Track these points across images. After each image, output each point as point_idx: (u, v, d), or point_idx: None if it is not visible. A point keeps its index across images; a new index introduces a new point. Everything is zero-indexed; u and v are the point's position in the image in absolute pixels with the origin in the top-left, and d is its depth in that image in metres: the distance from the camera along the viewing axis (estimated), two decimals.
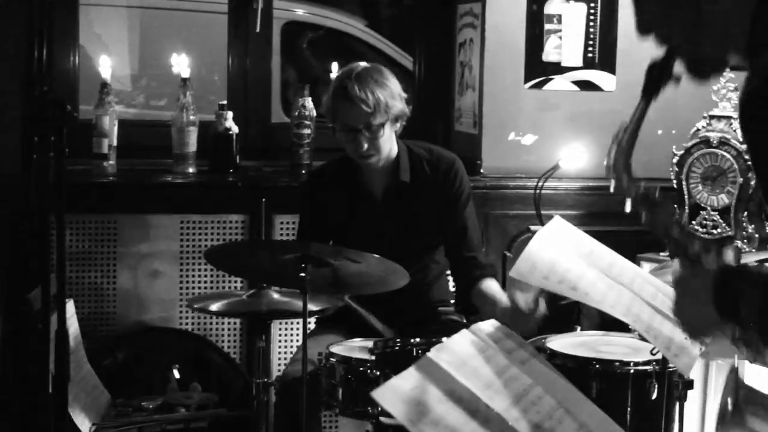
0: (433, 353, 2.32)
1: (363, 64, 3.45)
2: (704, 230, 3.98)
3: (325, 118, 3.53)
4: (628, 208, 1.89)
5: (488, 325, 2.54)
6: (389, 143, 3.44)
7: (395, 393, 2.19)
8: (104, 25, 5.67)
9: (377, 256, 3.03)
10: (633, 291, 2.76)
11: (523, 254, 2.68)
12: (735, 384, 1.90)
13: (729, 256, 1.78)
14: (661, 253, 3.96)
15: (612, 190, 1.89)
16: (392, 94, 3.37)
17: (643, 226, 1.88)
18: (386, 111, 3.35)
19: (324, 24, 5.93)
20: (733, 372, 1.96)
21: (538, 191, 3.89)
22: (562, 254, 2.72)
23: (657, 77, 1.84)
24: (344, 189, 3.53)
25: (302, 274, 2.97)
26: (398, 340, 2.92)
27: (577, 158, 3.88)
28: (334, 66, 4.58)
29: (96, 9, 5.46)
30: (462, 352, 2.37)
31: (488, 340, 2.47)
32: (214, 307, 3.24)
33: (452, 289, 3.76)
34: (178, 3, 5.39)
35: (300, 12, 5.90)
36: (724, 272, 1.74)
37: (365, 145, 3.37)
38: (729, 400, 1.89)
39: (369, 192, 3.53)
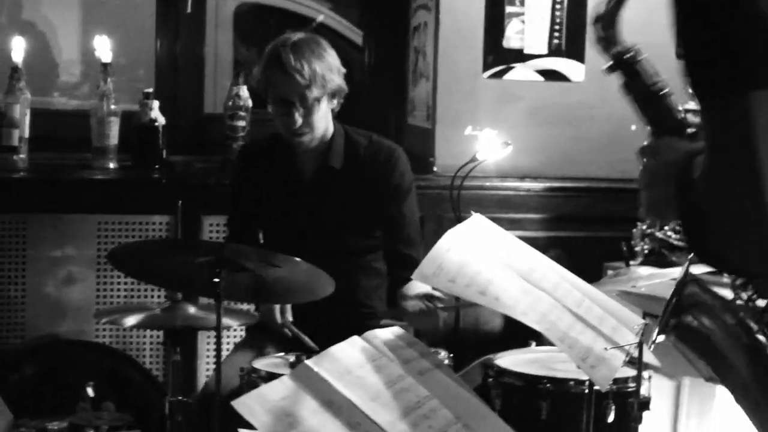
0: (312, 361, 2.31)
1: (300, 33, 3.50)
2: (678, 236, 3.99)
3: (258, 91, 3.60)
4: (605, 69, 1.91)
5: (386, 332, 2.54)
6: (324, 121, 3.49)
7: (261, 402, 2.18)
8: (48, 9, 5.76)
9: (299, 259, 3.04)
10: (555, 297, 2.73)
11: (430, 254, 2.65)
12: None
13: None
14: (632, 263, 3.97)
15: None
16: (330, 67, 3.43)
17: (623, 93, 1.90)
18: (323, 85, 3.40)
19: (284, 7, 5.98)
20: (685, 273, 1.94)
21: (456, 191, 3.89)
22: (474, 255, 2.70)
23: None
24: (273, 167, 3.58)
25: (216, 280, 2.97)
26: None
27: (498, 150, 3.89)
28: None
29: None
30: (347, 360, 2.37)
31: (383, 347, 2.47)
32: (126, 321, 3.25)
33: None
34: None
35: None
36: (693, 152, 1.73)
37: (299, 121, 3.41)
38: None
39: (298, 174, 3.56)
